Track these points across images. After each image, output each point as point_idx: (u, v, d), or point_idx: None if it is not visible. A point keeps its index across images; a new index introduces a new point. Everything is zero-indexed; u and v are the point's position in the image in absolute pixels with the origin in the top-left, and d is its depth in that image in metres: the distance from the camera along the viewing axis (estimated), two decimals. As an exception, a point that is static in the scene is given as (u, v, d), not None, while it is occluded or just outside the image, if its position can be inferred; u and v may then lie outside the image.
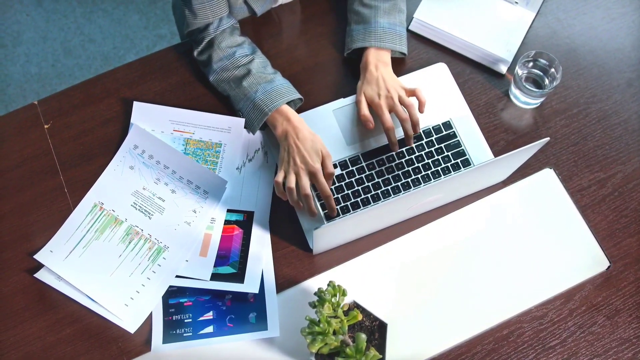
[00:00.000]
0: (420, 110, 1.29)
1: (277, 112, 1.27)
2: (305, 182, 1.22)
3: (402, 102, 1.28)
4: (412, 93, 1.30)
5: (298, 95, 1.31)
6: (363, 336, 1.04)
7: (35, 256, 1.23)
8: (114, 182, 1.29)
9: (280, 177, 1.23)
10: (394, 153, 1.31)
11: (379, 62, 1.32)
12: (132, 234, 1.26)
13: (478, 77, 1.39)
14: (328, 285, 1.06)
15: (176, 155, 1.30)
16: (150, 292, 1.22)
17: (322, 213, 1.27)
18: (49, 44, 2.44)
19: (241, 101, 1.30)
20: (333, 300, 1.05)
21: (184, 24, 1.33)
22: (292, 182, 1.21)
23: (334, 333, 1.05)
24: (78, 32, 2.46)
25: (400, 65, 1.39)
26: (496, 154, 1.33)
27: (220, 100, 1.37)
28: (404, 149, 1.31)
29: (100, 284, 1.22)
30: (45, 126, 1.35)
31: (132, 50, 2.44)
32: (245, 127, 1.32)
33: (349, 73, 1.38)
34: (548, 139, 1.09)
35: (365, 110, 1.29)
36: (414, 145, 1.31)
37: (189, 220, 1.26)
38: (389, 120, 1.27)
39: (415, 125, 1.28)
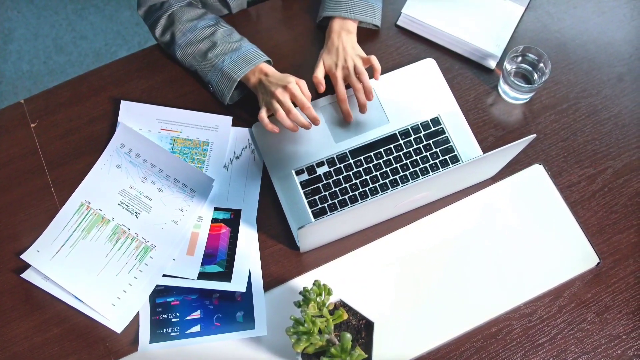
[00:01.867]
0: (375, 77, 1.31)
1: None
2: (286, 99, 1.24)
3: (356, 71, 1.30)
4: (367, 61, 1.31)
5: (266, 58, 1.31)
6: (348, 335, 1.03)
7: (22, 256, 1.23)
8: (101, 181, 1.29)
9: (263, 111, 1.26)
10: (382, 150, 1.30)
11: (342, 30, 1.34)
12: (119, 233, 1.25)
13: (467, 73, 1.38)
14: (313, 284, 1.06)
15: (163, 154, 1.29)
16: (137, 291, 1.21)
17: (309, 211, 1.26)
18: (40, 41, 2.43)
19: (209, 72, 1.31)
20: (318, 299, 1.05)
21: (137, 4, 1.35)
22: (278, 108, 1.24)
23: (320, 332, 1.04)
24: (69, 28, 2.45)
25: (387, 62, 1.38)
26: (485, 150, 1.32)
27: (207, 98, 1.36)
28: (391, 146, 1.30)
29: (87, 283, 1.21)
30: (32, 125, 1.34)
31: (124, 46, 2.42)
32: (218, 99, 1.34)
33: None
34: (534, 135, 1.07)
35: (319, 74, 1.31)
36: (402, 142, 1.30)
37: (176, 219, 1.26)
38: (342, 92, 1.30)
39: (367, 93, 1.30)
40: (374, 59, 1.30)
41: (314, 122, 1.25)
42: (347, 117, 1.31)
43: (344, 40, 1.33)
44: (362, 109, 1.30)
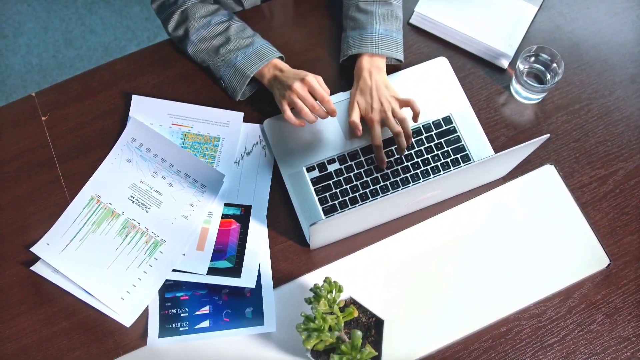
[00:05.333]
0: (414, 119, 1.27)
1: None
2: (306, 94, 1.24)
3: (395, 115, 1.26)
4: (406, 104, 1.27)
5: (279, 54, 1.31)
6: (359, 333, 1.03)
7: (32, 249, 1.23)
8: (111, 175, 1.29)
9: (287, 109, 1.25)
10: (393, 148, 1.30)
11: (372, 68, 1.30)
12: (128, 227, 1.25)
13: (479, 72, 1.38)
14: (324, 281, 1.06)
15: (174, 149, 1.29)
16: (147, 285, 1.21)
17: (320, 208, 1.26)
18: (49, 34, 2.43)
19: (222, 68, 1.31)
20: (329, 296, 1.05)
21: None
22: (301, 105, 1.23)
23: (330, 329, 1.04)
24: (79, 22, 2.45)
25: (400, 59, 1.38)
26: (497, 149, 1.31)
27: (219, 93, 1.36)
28: (403, 144, 1.30)
29: (97, 277, 1.21)
30: (43, 118, 1.34)
31: (134, 41, 2.42)
32: (230, 95, 1.34)
33: (347, 67, 1.37)
34: (548, 135, 1.07)
35: (355, 117, 1.27)
36: (413, 141, 1.30)
37: (186, 214, 1.26)
38: (378, 138, 1.26)
39: (407, 137, 1.26)
40: (413, 103, 1.25)
41: (332, 114, 1.25)
42: (381, 164, 1.27)
43: (377, 79, 1.29)
44: (401, 152, 1.27)
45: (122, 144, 1.31)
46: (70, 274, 1.21)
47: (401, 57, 1.34)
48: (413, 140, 1.30)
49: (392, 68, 1.37)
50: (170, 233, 1.25)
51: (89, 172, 1.29)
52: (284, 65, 1.29)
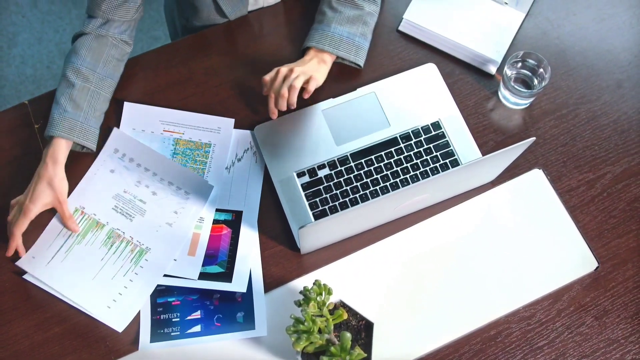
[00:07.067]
0: (304, 96, 1.31)
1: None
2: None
3: (293, 81, 1.27)
4: (307, 80, 1.29)
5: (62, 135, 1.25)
6: (348, 335, 1.04)
7: (17, 263, 1.23)
8: (95, 186, 1.29)
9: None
10: (383, 153, 1.31)
11: (316, 57, 1.32)
12: (113, 237, 1.26)
13: (467, 78, 1.39)
14: (314, 283, 1.06)
15: (157, 158, 1.30)
16: (133, 293, 1.21)
17: (310, 213, 1.27)
18: (44, 45, 2.44)
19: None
20: (318, 298, 1.05)
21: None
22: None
23: (320, 332, 1.05)
24: (73, 33, 2.46)
25: (389, 66, 1.39)
26: (485, 154, 1.33)
27: (209, 100, 1.37)
28: (392, 149, 1.31)
29: (83, 287, 1.22)
30: (36, 126, 1.35)
31: (127, 51, 2.43)
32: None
33: (338, 73, 1.38)
34: (534, 138, 1.08)
35: (266, 75, 1.30)
36: (402, 145, 1.31)
37: (170, 222, 1.26)
38: (276, 91, 1.28)
39: (289, 106, 1.29)
40: (312, 82, 1.29)
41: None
42: (271, 115, 1.30)
43: (312, 64, 1.31)
44: (274, 110, 1.30)
45: (104, 155, 1.31)
46: (56, 286, 1.21)
47: (361, 62, 1.35)
48: (403, 145, 1.31)
49: (373, 75, 1.38)
50: (155, 241, 1.25)
51: (72, 184, 1.28)
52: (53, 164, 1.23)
